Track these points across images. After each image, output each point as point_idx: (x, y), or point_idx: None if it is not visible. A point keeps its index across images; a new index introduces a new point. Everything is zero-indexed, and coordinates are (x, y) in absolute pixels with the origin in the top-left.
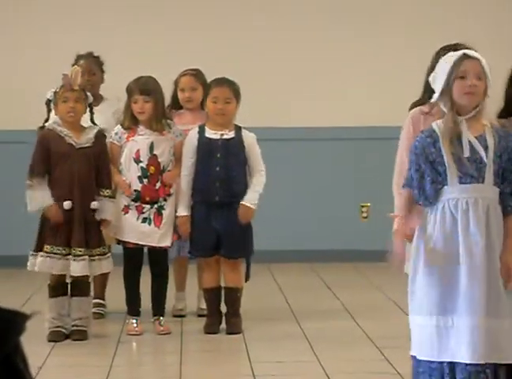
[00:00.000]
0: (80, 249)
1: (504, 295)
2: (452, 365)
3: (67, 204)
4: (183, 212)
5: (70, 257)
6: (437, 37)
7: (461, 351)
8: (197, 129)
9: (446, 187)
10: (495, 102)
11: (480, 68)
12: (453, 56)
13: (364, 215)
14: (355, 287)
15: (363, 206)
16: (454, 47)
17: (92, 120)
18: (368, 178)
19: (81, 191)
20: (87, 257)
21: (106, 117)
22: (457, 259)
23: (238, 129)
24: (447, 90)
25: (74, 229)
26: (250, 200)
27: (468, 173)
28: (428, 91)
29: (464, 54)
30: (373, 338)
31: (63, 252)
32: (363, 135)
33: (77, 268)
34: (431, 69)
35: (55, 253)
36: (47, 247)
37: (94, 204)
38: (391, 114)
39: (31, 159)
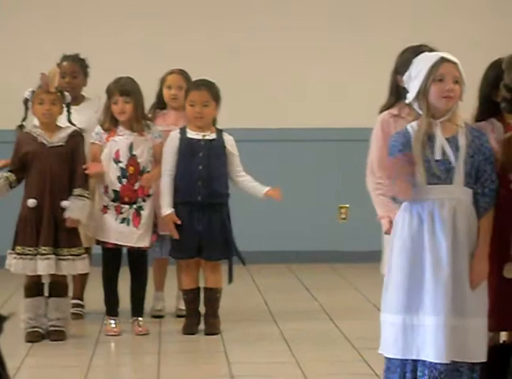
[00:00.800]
0: (45, 248)
1: (470, 295)
2: (416, 362)
3: (32, 203)
4: (168, 210)
5: (37, 256)
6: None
7: (426, 350)
8: (178, 130)
9: (414, 188)
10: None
11: (457, 72)
12: (430, 58)
13: (343, 216)
14: (333, 288)
15: (341, 207)
16: (419, 49)
17: (69, 120)
18: (347, 179)
19: (52, 190)
20: (53, 256)
21: (87, 116)
22: (424, 259)
23: (219, 131)
24: (424, 92)
25: (42, 228)
26: (263, 187)
27: (435, 174)
28: (394, 93)
29: (443, 57)
30: (351, 339)
31: (34, 252)
32: (343, 137)
33: (42, 266)
34: (395, 71)
35: (26, 254)
36: (18, 248)
37: (64, 204)
38: (370, 116)
39: None
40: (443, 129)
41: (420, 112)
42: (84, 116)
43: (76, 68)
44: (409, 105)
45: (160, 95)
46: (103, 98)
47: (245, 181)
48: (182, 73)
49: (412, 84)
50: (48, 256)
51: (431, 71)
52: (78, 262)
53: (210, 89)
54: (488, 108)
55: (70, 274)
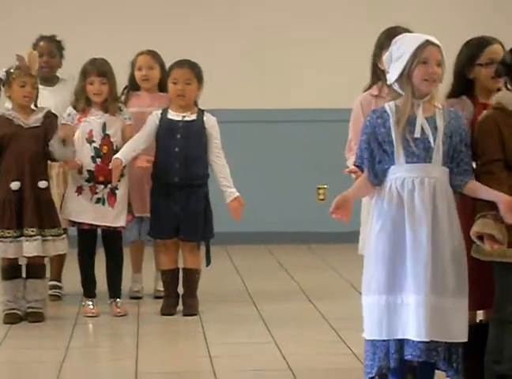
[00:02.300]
0: (32, 229)
1: (450, 274)
2: (401, 342)
3: (15, 185)
4: (119, 155)
5: (23, 238)
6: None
7: (409, 329)
8: (160, 111)
9: (393, 167)
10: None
11: (439, 55)
12: (415, 40)
13: (321, 197)
14: (311, 269)
15: (319, 188)
16: (395, 31)
17: (35, 104)
18: (325, 160)
19: (31, 171)
20: (39, 237)
21: (62, 97)
22: (404, 238)
23: (200, 112)
24: (408, 74)
25: (25, 209)
26: (233, 192)
27: (415, 153)
28: (375, 74)
29: (427, 40)
30: (329, 319)
31: (14, 234)
32: (321, 117)
33: (30, 248)
34: (375, 54)
35: (6, 237)
36: None
37: (42, 184)
38: (349, 96)
39: None
40: (422, 109)
41: (401, 92)
42: (59, 97)
43: (53, 48)
44: (389, 85)
45: (132, 78)
46: (77, 76)
47: (218, 169)
48: (152, 53)
49: (393, 65)
50: (36, 237)
51: (415, 53)
52: (58, 242)
53: (193, 68)
54: (462, 85)
55: (51, 255)
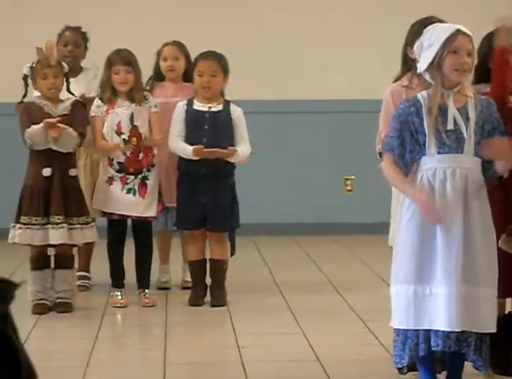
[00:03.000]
0: (58, 217)
1: (482, 264)
2: (429, 332)
3: (46, 171)
4: (191, 147)
5: (49, 226)
6: (412, 13)
7: (438, 319)
8: (185, 102)
9: (424, 157)
10: None
11: (470, 45)
12: (446, 29)
13: (348, 188)
14: (339, 260)
15: (347, 179)
16: (428, 21)
17: (68, 90)
18: (353, 151)
19: (61, 158)
20: (65, 225)
21: (86, 84)
22: (435, 229)
23: (226, 103)
24: (438, 63)
25: (53, 197)
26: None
27: (446, 144)
28: (407, 64)
29: (458, 29)
30: (357, 310)
31: (42, 221)
32: (349, 108)
33: (56, 236)
34: (407, 44)
35: (34, 224)
36: (23, 218)
37: (73, 171)
38: (377, 88)
39: (20, 131)
40: (454, 100)
41: (432, 82)
42: (83, 86)
43: (78, 38)
44: (419, 75)
45: (157, 68)
46: (100, 66)
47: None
48: (178, 44)
49: (424, 54)
50: (62, 225)
51: (446, 42)
52: (87, 231)
53: (219, 60)
54: (483, 73)
55: (80, 243)
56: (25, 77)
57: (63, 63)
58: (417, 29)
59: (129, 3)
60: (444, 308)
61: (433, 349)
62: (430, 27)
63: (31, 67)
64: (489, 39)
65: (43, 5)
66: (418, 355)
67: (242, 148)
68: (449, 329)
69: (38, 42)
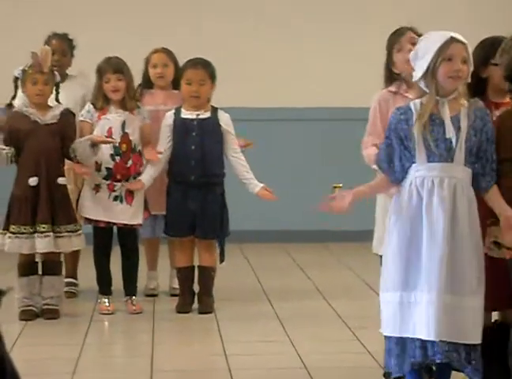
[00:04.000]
0: (44, 226)
1: (468, 274)
2: (423, 342)
3: (33, 181)
4: (144, 179)
5: (36, 234)
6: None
7: (420, 327)
8: (173, 111)
9: (414, 165)
10: None
11: (465, 52)
12: (440, 37)
13: None
14: (326, 268)
15: (335, 187)
16: (401, 31)
17: (56, 99)
18: (341, 158)
19: (47, 167)
20: (52, 233)
21: (72, 93)
22: (421, 237)
23: (214, 109)
24: (432, 71)
25: (40, 206)
26: (258, 183)
27: (436, 152)
28: (388, 71)
29: (452, 37)
30: (344, 318)
31: (29, 230)
32: (338, 116)
33: (42, 244)
34: (390, 55)
35: (22, 233)
36: (13, 227)
37: (61, 180)
38: (366, 95)
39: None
40: (448, 108)
41: (426, 90)
42: (68, 93)
43: (65, 46)
44: (412, 83)
45: (145, 75)
46: (85, 73)
47: (239, 164)
48: (167, 51)
49: (419, 62)
50: (47, 233)
51: (440, 50)
52: (74, 238)
53: (207, 68)
54: (476, 84)
55: (67, 251)
56: (16, 79)
57: (55, 72)
58: (395, 38)
59: (116, 9)
60: (424, 316)
61: (417, 360)
62: (424, 35)
63: (23, 70)
64: (483, 46)
65: (25, 9)
66: (416, 362)
67: (256, 182)
68: (428, 338)
69: (21, 46)
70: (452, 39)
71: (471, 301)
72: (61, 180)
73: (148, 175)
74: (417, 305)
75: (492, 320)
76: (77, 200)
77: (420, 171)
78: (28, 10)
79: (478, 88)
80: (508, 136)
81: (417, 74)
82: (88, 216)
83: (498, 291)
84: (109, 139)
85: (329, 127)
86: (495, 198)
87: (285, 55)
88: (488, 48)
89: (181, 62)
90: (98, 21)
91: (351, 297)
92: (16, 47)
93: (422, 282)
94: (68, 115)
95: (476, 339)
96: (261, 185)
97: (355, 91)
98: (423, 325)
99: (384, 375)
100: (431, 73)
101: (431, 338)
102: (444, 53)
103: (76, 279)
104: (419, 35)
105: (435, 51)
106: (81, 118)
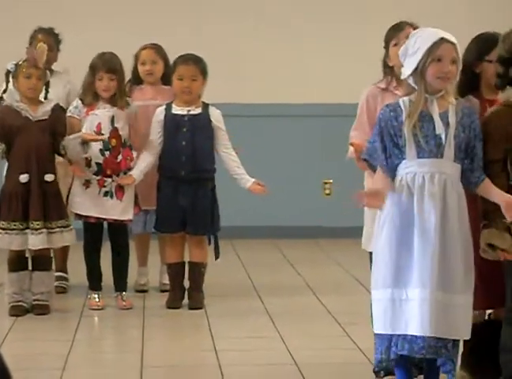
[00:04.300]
0: (37, 223)
1: (459, 271)
2: (411, 337)
3: (24, 178)
4: (135, 174)
5: (28, 231)
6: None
7: (412, 324)
8: (164, 107)
9: (404, 161)
10: None
11: (454, 52)
12: (430, 37)
13: (327, 191)
14: (317, 264)
15: (325, 183)
16: (400, 26)
17: (45, 98)
18: (331, 154)
19: (38, 164)
20: (45, 230)
21: (57, 90)
22: (412, 233)
23: (205, 105)
24: (421, 70)
25: (32, 202)
26: (249, 178)
27: (426, 148)
28: (384, 64)
29: (442, 37)
30: (334, 314)
31: (20, 226)
32: (328, 112)
33: (36, 241)
34: (386, 49)
35: (12, 229)
36: (2, 223)
37: (49, 177)
38: (356, 91)
39: None
40: (436, 105)
41: (415, 86)
42: (54, 89)
43: (51, 41)
44: (401, 80)
45: (135, 72)
46: (69, 71)
47: (229, 160)
48: (156, 47)
49: (408, 59)
50: (41, 230)
51: (430, 50)
52: (66, 234)
53: (198, 64)
54: (469, 81)
55: (59, 246)
56: (8, 73)
57: (47, 71)
58: (393, 32)
59: (116, 9)
60: (418, 313)
61: (415, 356)
62: (415, 32)
63: (16, 64)
64: (478, 41)
65: (29, 14)
66: (389, 359)
67: (248, 177)
68: (422, 334)
69: (9, 40)
70: (442, 40)
71: (461, 298)
72: (48, 177)
73: (138, 170)
74: (409, 302)
75: (485, 317)
76: (67, 196)
77: (411, 167)
78: (27, 10)
79: (471, 82)
80: (496, 137)
81: (406, 72)
82: (78, 212)
83: (491, 290)
84: (99, 136)
85: (319, 123)
86: (489, 189)
87: (285, 55)
88: (482, 44)
89: (173, 57)
90: (98, 21)
91: (341, 293)
92: (5, 43)
93: (414, 279)
94: (59, 111)
95: (466, 334)
96: (253, 179)
97: (355, 91)
98: (416, 322)
99: (374, 371)
100: (419, 72)
101: (426, 334)
102: (434, 53)
103: (66, 273)
104: None
105: (425, 51)
106: (69, 114)
